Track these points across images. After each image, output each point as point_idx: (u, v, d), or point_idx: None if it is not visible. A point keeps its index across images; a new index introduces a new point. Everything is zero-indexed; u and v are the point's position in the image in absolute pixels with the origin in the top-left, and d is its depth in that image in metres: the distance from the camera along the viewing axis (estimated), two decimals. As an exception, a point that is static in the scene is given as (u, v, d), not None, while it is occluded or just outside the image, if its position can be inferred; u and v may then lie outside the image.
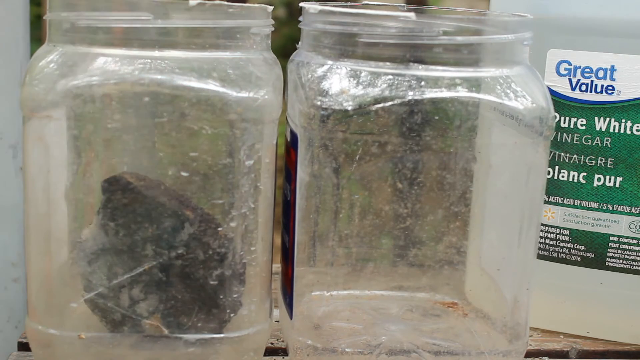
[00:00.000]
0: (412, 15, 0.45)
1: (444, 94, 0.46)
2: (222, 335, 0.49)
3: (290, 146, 0.50)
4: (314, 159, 0.48)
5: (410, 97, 0.45)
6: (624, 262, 0.57)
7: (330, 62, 0.48)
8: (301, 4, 0.51)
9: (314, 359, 0.49)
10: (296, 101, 0.49)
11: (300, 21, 0.51)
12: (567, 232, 0.58)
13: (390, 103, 0.45)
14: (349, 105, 0.46)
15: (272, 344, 0.55)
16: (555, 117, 0.55)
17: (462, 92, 0.46)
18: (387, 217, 0.51)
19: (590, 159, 0.57)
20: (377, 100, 0.45)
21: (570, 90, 0.57)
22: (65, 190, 0.48)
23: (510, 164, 0.50)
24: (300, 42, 0.52)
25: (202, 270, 0.48)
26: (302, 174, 0.49)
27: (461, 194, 0.51)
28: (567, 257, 0.58)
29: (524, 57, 0.49)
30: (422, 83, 0.45)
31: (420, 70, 0.46)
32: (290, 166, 0.50)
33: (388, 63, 0.46)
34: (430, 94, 0.45)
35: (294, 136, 0.49)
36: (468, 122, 0.46)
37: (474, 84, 0.46)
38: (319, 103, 0.47)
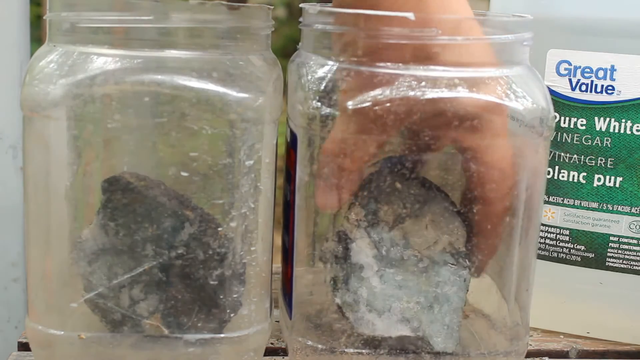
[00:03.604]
0: (410, 15, 0.45)
1: (444, 94, 0.46)
2: (222, 335, 0.49)
3: (290, 146, 0.50)
4: (313, 159, 0.48)
5: (410, 97, 0.45)
6: (624, 262, 0.57)
7: (330, 62, 0.48)
8: (301, 5, 0.51)
9: (313, 359, 0.49)
10: (296, 102, 0.49)
11: (300, 22, 0.51)
12: (567, 232, 0.58)
13: (390, 103, 0.45)
14: (349, 106, 0.46)
15: (272, 344, 0.55)
16: (555, 117, 0.55)
17: (462, 92, 0.46)
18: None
19: (590, 159, 0.57)
20: (377, 101, 0.45)
21: (570, 90, 0.57)
22: (65, 190, 0.48)
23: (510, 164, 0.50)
24: (300, 43, 0.52)
25: (202, 270, 0.48)
26: (301, 174, 0.49)
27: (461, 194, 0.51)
28: (567, 257, 0.58)
29: (524, 57, 0.49)
30: (423, 83, 0.45)
31: (420, 71, 0.46)
32: (290, 166, 0.50)
33: (388, 63, 0.46)
34: (430, 94, 0.45)
35: (293, 136, 0.49)
36: (468, 123, 0.46)
37: (474, 84, 0.46)
38: (319, 104, 0.47)
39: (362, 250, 0.49)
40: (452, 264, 0.49)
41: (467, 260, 0.50)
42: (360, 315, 0.48)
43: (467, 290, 0.50)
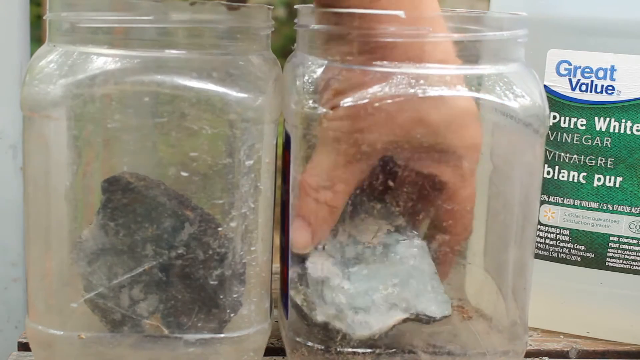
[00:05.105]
0: (401, 13, 0.45)
1: (443, 92, 0.46)
2: (222, 335, 0.49)
3: (285, 147, 0.50)
4: (306, 159, 0.48)
5: (407, 96, 0.45)
6: (624, 262, 0.57)
7: (326, 62, 0.48)
8: (296, 6, 0.51)
9: (310, 359, 0.49)
10: (291, 102, 0.49)
11: (296, 22, 0.51)
12: (567, 232, 0.58)
13: (387, 101, 0.45)
14: (345, 104, 0.46)
15: (272, 344, 0.55)
16: (552, 116, 0.55)
17: (461, 91, 0.46)
18: (382, 217, 0.50)
19: (590, 159, 0.57)
20: (374, 100, 0.45)
21: (570, 90, 0.57)
22: (65, 190, 0.48)
23: (507, 162, 0.50)
24: (296, 44, 0.52)
25: (202, 270, 0.48)
26: (295, 174, 0.49)
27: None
28: (567, 257, 0.58)
29: (519, 55, 0.49)
30: (421, 82, 0.45)
31: (418, 69, 0.46)
32: (285, 167, 0.50)
33: (385, 62, 0.46)
34: (428, 92, 0.45)
35: (288, 137, 0.49)
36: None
37: (472, 82, 0.46)
38: (314, 104, 0.47)
39: (320, 263, 0.48)
40: (403, 240, 0.49)
41: (414, 229, 0.50)
42: (350, 319, 0.48)
43: (430, 255, 0.50)
